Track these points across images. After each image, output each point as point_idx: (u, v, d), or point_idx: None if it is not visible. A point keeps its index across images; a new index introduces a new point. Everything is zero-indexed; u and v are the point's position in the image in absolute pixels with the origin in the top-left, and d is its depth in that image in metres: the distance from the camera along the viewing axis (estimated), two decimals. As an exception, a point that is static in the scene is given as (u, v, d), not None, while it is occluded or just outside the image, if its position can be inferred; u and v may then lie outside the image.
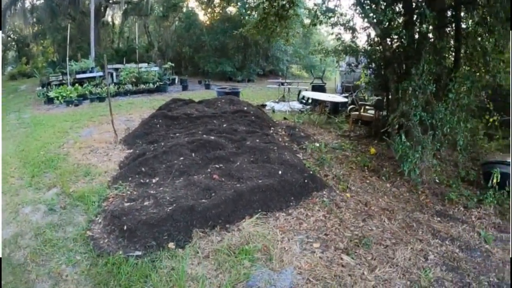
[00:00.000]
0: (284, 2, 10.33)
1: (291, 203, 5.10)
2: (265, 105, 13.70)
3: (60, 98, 13.14)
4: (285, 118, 11.16)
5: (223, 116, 8.51)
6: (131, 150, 7.20)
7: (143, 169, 5.90)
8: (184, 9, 26.58)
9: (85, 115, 10.85)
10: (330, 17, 8.99)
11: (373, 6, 7.47)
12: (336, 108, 12.82)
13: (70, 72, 15.71)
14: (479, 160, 7.44)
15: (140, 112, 11.06)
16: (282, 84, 15.33)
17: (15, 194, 5.53)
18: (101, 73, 16.92)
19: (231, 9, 24.92)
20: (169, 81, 17.86)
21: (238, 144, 6.93)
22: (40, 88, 15.49)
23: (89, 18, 25.04)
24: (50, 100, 13.27)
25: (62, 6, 25.70)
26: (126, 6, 27.25)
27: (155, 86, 15.88)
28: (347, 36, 9.26)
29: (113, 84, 15.83)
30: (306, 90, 15.54)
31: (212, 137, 6.97)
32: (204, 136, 7.06)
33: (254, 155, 6.45)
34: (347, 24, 8.95)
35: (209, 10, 25.56)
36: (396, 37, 7.91)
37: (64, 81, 15.56)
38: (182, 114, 8.36)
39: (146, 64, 18.70)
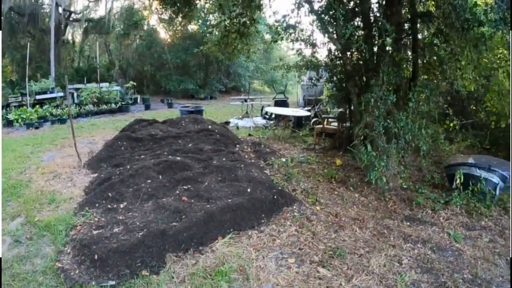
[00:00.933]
0: (245, 20, 10.49)
1: (263, 220, 5.19)
2: (229, 122, 13.89)
3: (20, 120, 12.83)
4: (249, 135, 11.35)
5: (188, 136, 8.60)
6: (96, 174, 7.17)
7: (109, 194, 5.90)
8: (145, 27, 26.57)
9: (46, 138, 10.66)
10: (291, 33, 9.18)
11: (333, 21, 7.69)
12: (299, 122, 13.14)
13: (30, 93, 15.38)
14: (442, 164, 7.81)
15: (103, 133, 10.98)
16: (245, 100, 15.56)
17: (-24, 227, 5.41)
18: (61, 94, 16.66)
19: (193, 27, 25.10)
20: (131, 101, 17.78)
21: (205, 164, 7.04)
22: (-1, 109, 15.08)
23: (49, 36, 24.61)
24: (9, 123, 12.92)
25: (21, 23, 25.05)
26: (86, 24, 26.95)
27: (117, 106, 15.79)
28: (308, 51, 9.49)
29: (74, 105, 15.59)
30: (269, 105, 15.82)
31: (178, 158, 7.06)
32: (170, 157, 7.15)
33: (221, 174, 6.56)
34: (307, 40, 9.18)
35: (170, 28, 25.57)
36: (355, 51, 8.24)
37: (23, 102, 15.20)
38: (147, 135, 8.40)
39: (108, 83, 18.54)
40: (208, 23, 22.18)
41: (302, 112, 13.13)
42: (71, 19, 26.94)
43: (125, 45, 26.12)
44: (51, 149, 9.47)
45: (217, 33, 13.31)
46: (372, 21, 8.10)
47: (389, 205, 6.13)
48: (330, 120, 11.23)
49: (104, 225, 4.99)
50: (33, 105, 14.76)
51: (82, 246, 4.48)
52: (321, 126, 10.85)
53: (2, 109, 15.03)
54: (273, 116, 14.45)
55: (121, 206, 5.60)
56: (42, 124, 12.71)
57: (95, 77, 19.76)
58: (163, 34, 26.07)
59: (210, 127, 9.37)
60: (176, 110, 16.00)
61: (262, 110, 15.81)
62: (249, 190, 5.72)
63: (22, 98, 15.67)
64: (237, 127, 12.82)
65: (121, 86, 19.42)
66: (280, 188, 6.07)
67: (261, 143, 9.59)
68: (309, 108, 14.84)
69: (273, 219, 5.27)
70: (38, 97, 15.70)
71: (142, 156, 7.57)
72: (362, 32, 7.85)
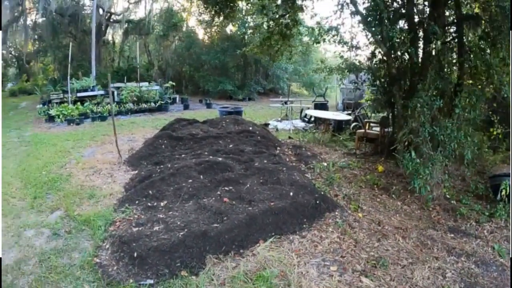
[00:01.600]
0: (288, 21, 10.32)
1: (304, 225, 4.98)
2: (268, 124, 13.63)
3: (61, 116, 12.99)
4: (289, 137, 11.06)
5: (228, 137, 8.39)
6: (136, 172, 7.04)
7: (150, 192, 5.73)
8: (184, 29, 26.77)
9: (87, 134, 10.71)
10: (333, 35, 8.98)
11: (378, 23, 7.41)
12: (339, 125, 12.75)
13: (71, 90, 15.60)
14: (485, 173, 7.39)
15: (143, 131, 10.92)
16: (285, 102, 15.26)
17: (17, 217, 5.34)
18: (102, 92, 16.85)
19: (231, 28, 25.09)
20: (170, 100, 17.77)
21: (246, 165, 6.79)
22: (41, 105, 15.37)
23: (90, 36, 25.21)
24: (51, 118, 13.14)
25: (63, 24, 25.84)
26: (126, 25, 27.43)
27: (157, 105, 15.78)
28: (349, 54, 9.23)
29: (114, 103, 15.71)
30: (309, 108, 15.48)
31: (220, 159, 6.84)
32: (211, 157, 6.94)
33: (263, 176, 6.30)
34: (349, 42, 8.96)
35: (209, 29, 25.69)
36: (400, 53, 7.93)
37: (65, 99, 15.43)
38: (187, 135, 8.24)
39: (147, 83, 18.64)
40: (246, 25, 22.09)
41: (343, 116, 12.73)
42: (111, 20, 27.50)
43: (164, 46, 26.37)
44: (92, 145, 9.46)
45: (258, 34, 13.14)
46: (417, 23, 7.80)
47: (432, 215, 5.87)
48: (371, 124, 10.83)
49: (144, 222, 4.80)
50: (74, 102, 14.96)
51: (122, 243, 4.30)
52: (363, 130, 10.46)
53: (44, 105, 15.41)
54: (312, 119, 14.11)
55: (162, 204, 5.41)
56: (82, 121, 12.85)
57: (135, 77, 19.93)
58: (201, 35, 26.23)
59: (251, 128, 9.12)
60: (215, 111, 15.87)
61: (301, 112, 15.47)
62: (291, 194, 5.50)
63: (64, 95, 15.91)
64: (277, 129, 12.54)
65: (160, 86, 19.49)
66: (322, 193, 5.85)
67: (301, 146, 9.28)
68: (349, 112, 14.41)
69: (315, 224, 5.06)
70: (79, 94, 15.92)
71: (183, 155, 7.40)
72: (408, 35, 7.54)
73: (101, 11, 24.49)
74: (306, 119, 14.78)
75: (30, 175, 7.13)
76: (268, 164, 6.87)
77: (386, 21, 6.96)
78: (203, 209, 5.10)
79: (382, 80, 9.03)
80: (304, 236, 4.73)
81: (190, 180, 5.94)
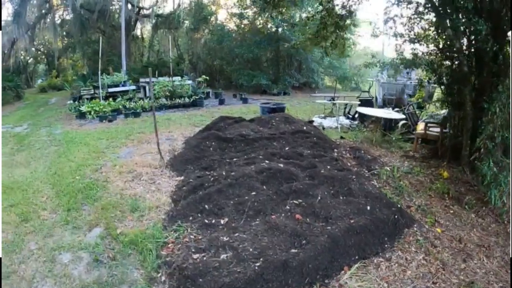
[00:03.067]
0: (344, 12, 9.37)
1: (386, 245, 4.38)
2: (313, 121, 12.54)
3: (92, 112, 12.23)
4: (342, 137, 10.00)
5: (282, 138, 7.38)
6: (182, 178, 6.10)
7: (206, 206, 4.76)
8: (214, 22, 26.07)
9: (121, 132, 9.83)
10: (391, 27, 8.33)
11: (454, 15, 6.53)
12: (389, 124, 11.64)
13: (102, 86, 14.85)
14: None
15: (180, 129, 9.98)
16: (333, 98, 14.13)
17: (49, 235, 4.46)
18: (133, 87, 16.08)
19: (260, 21, 24.04)
20: (203, 95, 16.81)
21: (310, 172, 5.80)
22: (71, 101, 14.74)
23: (119, 31, 24.74)
24: (82, 115, 12.38)
25: (91, 20, 25.39)
26: (156, 20, 26.83)
27: (191, 100, 14.82)
28: (405, 47, 8.41)
29: (146, 98, 14.87)
30: (352, 105, 14.33)
31: (281, 165, 5.82)
32: (272, 163, 5.93)
33: (333, 186, 5.41)
34: (408, 35, 8.23)
35: (240, 22, 24.69)
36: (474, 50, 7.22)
37: (96, 95, 14.70)
38: (237, 136, 7.25)
39: (179, 77, 17.76)
40: (281, 17, 21.02)
41: (395, 115, 11.56)
42: (140, 14, 26.97)
43: (195, 40, 25.52)
44: (127, 144, 8.57)
45: (309, 26, 12.19)
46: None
47: (508, 229, 5.30)
48: (429, 125, 9.75)
49: (206, 247, 3.83)
50: (105, 98, 14.20)
51: (184, 277, 3.37)
52: (423, 131, 9.37)
53: (75, 100, 14.74)
54: (357, 115, 13.02)
55: (222, 222, 4.44)
56: (115, 117, 12.00)
57: (165, 71, 19.17)
58: (232, 28, 25.19)
59: (305, 128, 8.12)
60: (253, 106, 14.85)
61: (345, 109, 14.32)
62: (368, 208, 4.82)
63: (94, 91, 15.20)
64: (323, 127, 11.45)
65: (193, 80, 18.60)
66: (399, 206, 5.23)
67: (360, 148, 8.23)
68: (398, 109, 13.25)
69: (396, 243, 4.48)
70: (110, 90, 15.16)
71: (234, 159, 6.42)
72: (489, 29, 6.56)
73: (129, 5, 23.79)
74: (350, 116, 13.69)
75: (62, 180, 6.26)
76: (334, 171, 5.91)
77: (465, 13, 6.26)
78: (276, 230, 4.16)
79: (448, 77, 8.18)
80: (389, 259, 4.17)
81: (254, 193, 4.96)
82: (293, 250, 3.81)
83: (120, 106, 13.01)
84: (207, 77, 18.40)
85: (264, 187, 5.14)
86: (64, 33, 28.41)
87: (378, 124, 11.18)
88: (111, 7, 25.77)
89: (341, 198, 5.08)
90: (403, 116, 11.75)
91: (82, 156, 7.68)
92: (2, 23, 23.34)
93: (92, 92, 15.18)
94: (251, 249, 3.70)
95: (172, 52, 30.09)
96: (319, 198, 4.97)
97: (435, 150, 8.85)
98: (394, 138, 10.45)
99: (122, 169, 6.61)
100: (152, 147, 8.02)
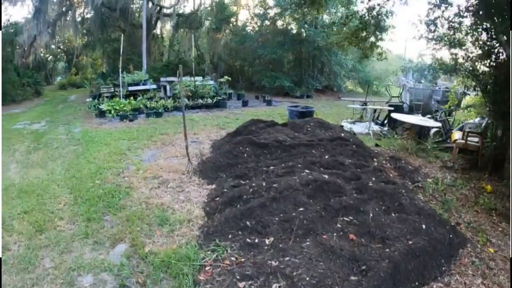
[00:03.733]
0: (384, 11, 8.81)
1: (444, 268, 3.90)
2: (342, 126, 11.84)
3: (113, 111, 11.72)
4: (377, 145, 9.32)
5: (321, 145, 6.72)
6: (214, 186, 5.46)
7: (247, 222, 4.11)
8: (235, 22, 25.61)
9: (143, 132, 9.26)
10: (433, 31, 8.01)
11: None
12: (423, 132, 10.94)
13: (122, 84, 14.35)
14: None
15: (206, 131, 9.36)
16: (365, 103, 13.40)
17: (66, 250, 3.86)
18: (154, 86, 15.56)
19: (288, 21, 23.36)
20: (225, 96, 16.20)
21: (357, 185, 5.14)
22: (91, 99, 14.32)
23: (139, 30, 24.42)
24: (102, 113, 11.89)
25: (112, 18, 25.26)
26: (177, 19, 26.43)
27: (214, 101, 14.21)
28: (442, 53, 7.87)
29: (168, 98, 14.32)
30: (380, 110, 13.59)
31: (326, 176, 5.14)
32: (313, 173, 5.29)
33: (382, 201, 4.78)
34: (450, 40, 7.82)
35: (264, 23, 24.06)
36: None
37: (116, 93, 14.21)
38: (273, 141, 6.59)
39: (201, 77, 17.20)
40: (307, 18, 20.34)
41: (431, 122, 10.82)
42: (161, 13, 26.64)
43: (216, 40, 24.99)
44: (150, 146, 7.98)
45: (347, 26, 11.58)
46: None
47: None
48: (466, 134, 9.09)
49: (253, 274, 3.21)
50: (125, 97, 13.69)
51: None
52: (463, 141, 8.68)
53: (94, 98, 14.30)
54: (386, 121, 12.32)
55: (266, 242, 3.79)
56: (136, 116, 11.44)
57: (186, 71, 18.66)
58: (256, 29, 24.59)
59: (342, 134, 7.46)
60: (277, 108, 14.20)
61: (374, 114, 13.58)
62: (423, 226, 4.26)
63: (115, 89, 14.73)
64: (354, 134, 10.72)
65: (214, 80, 18.03)
66: (452, 224, 4.77)
67: (400, 158, 7.59)
68: (419, 114, 12.56)
69: (452, 266, 4.02)
70: (130, 88, 14.65)
71: (271, 167, 5.77)
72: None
73: (150, 4, 23.43)
74: (379, 122, 12.96)
75: (81, 184, 5.69)
76: (382, 184, 5.26)
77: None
78: (331, 253, 3.55)
79: (493, 85, 7.68)
80: (448, 284, 3.70)
81: (301, 209, 4.29)
82: (353, 278, 3.23)
83: (141, 105, 12.47)
84: (229, 78, 17.80)
85: (311, 200, 4.48)
86: (84, 31, 28.17)
87: (413, 132, 10.48)
88: (131, 6, 25.41)
89: (393, 214, 4.49)
90: (439, 124, 11.05)
91: (103, 157, 7.12)
92: (22, 20, 23.41)
93: (112, 90, 14.71)
94: (307, 278, 3.07)
95: (192, 52, 29.77)
96: (371, 215, 4.35)
97: (475, 161, 8.29)
98: (429, 147, 9.76)
99: (146, 174, 6.01)
100: (177, 150, 7.43)
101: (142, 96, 13.77)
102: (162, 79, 16.96)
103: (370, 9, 8.82)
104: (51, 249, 3.88)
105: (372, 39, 9.33)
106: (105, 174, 6.15)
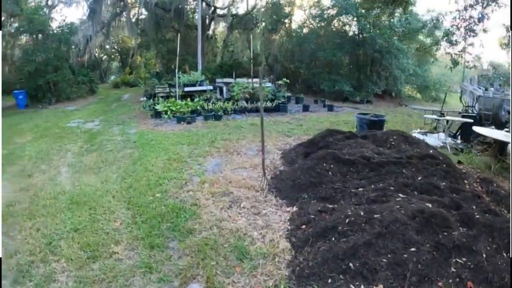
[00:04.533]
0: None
1: None
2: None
3: (169, 112, 11.07)
4: (459, 162, 8.05)
5: (411, 163, 5.59)
6: (295, 209, 4.52)
7: (350, 264, 3.13)
8: (290, 23, 24.74)
9: (203, 137, 8.46)
10: None
11: None
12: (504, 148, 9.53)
13: (178, 85, 13.74)
14: None
15: (271, 138, 8.41)
16: (442, 114, 12.07)
17: (124, 285, 3.02)
18: (211, 87, 14.85)
19: (345, 20, 22.09)
20: (284, 99, 15.20)
21: (460, 216, 4.05)
22: (145, 99, 13.85)
23: (193, 31, 24.14)
24: (157, 114, 11.28)
25: (166, 19, 25.13)
26: (231, 19, 25.90)
27: (273, 104, 13.26)
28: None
29: (224, 99, 13.54)
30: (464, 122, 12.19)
31: (429, 205, 4.08)
32: (410, 198, 4.29)
33: (492, 238, 3.76)
34: None
35: (321, 24, 22.87)
36: None
37: (171, 94, 13.61)
38: (359, 157, 5.55)
39: (258, 79, 16.34)
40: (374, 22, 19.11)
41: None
42: (215, 14, 26.26)
43: (272, 41, 24.14)
44: (213, 153, 7.13)
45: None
46: None
47: None
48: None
49: None
50: (181, 98, 13.03)
51: None
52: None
53: (149, 98, 13.81)
54: (458, 133, 10.97)
55: (377, 291, 2.78)
56: (194, 119, 10.70)
57: (240, 72, 17.90)
58: (314, 30, 23.46)
59: (431, 151, 6.29)
60: (340, 115, 13.11)
61: (446, 124, 12.18)
62: None
63: (170, 89, 14.14)
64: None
65: (272, 82, 17.11)
66: None
67: (492, 181, 6.30)
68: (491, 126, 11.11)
69: None
70: (186, 89, 14.00)
71: (360, 189, 4.76)
72: None
73: (204, 4, 23.05)
74: (452, 134, 11.57)
75: (139, 198, 4.92)
76: (487, 216, 4.14)
77: None
78: None
79: None
80: None
81: (413, 248, 3.27)
82: None
83: (198, 107, 11.75)
84: (288, 81, 16.80)
85: (419, 237, 3.45)
86: (139, 31, 28.26)
87: (496, 148, 9.09)
88: (186, 6, 25.26)
89: (504, 255, 3.51)
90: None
91: (162, 164, 6.35)
92: (77, 21, 23.84)
93: (168, 91, 14.15)
94: None
95: (246, 53, 29.10)
96: (484, 255, 3.28)
97: None
98: None
99: (213, 189, 5.14)
100: (244, 160, 6.55)
101: (198, 97, 13.06)
102: (218, 80, 16.29)
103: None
104: (107, 285, 3.07)
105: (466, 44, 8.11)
106: (166, 185, 5.35)
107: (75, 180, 5.83)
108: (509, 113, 13.47)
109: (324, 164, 5.34)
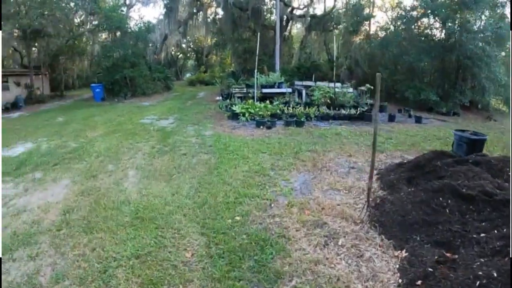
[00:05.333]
0: None
1: None
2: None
3: (247, 115, 10.34)
4: None
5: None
6: (405, 254, 3.51)
7: None
8: (369, 25, 23.25)
9: (286, 146, 7.55)
10: None
11: None
12: None
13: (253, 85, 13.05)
14: None
15: (361, 153, 7.33)
16: None
17: None
18: (290, 90, 13.93)
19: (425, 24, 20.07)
20: (367, 107, 13.83)
21: None
22: (221, 98, 13.37)
23: (269, 31, 23.55)
24: (234, 116, 10.62)
25: (242, 18, 24.85)
26: (310, 20, 24.91)
27: (357, 112, 12.02)
28: None
29: (304, 104, 12.52)
30: None
31: None
32: None
33: None
34: None
35: (402, 26, 20.95)
36: None
37: (249, 94, 12.92)
38: (479, 193, 4.34)
39: (339, 83, 15.16)
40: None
41: None
42: (293, 14, 25.66)
43: (352, 43, 22.81)
44: (298, 167, 6.20)
45: None
46: None
47: None
48: None
49: None
50: (259, 99, 12.27)
51: None
52: None
53: (226, 98, 13.27)
54: None
55: None
56: (274, 124, 9.87)
57: (317, 75, 16.86)
58: (394, 32, 21.61)
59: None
60: (429, 128, 11.44)
61: None
62: None
63: (247, 90, 13.46)
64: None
65: (354, 88, 15.80)
66: None
67: None
68: None
69: None
70: (264, 90, 13.26)
71: (482, 235, 3.61)
72: None
73: (281, 4, 22.34)
74: None
75: (215, 220, 4.14)
76: None
77: None
78: None
79: None
80: None
81: None
82: None
83: (278, 111, 10.89)
84: (372, 87, 15.40)
85: None
86: (215, 30, 28.30)
87: None
88: (264, 6, 24.93)
89: None
90: None
91: (241, 177, 5.55)
92: (154, 20, 24.57)
93: (245, 91, 13.49)
94: None
95: (322, 55, 27.96)
96: None
97: None
98: None
99: (304, 217, 4.22)
100: (336, 179, 5.57)
101: (277, 100, 12.22)
102: (297, 82, 15.39)
103: None
104: None
105: None
106: (247, 206, 4.53)
107: (143, 188, 5.21)
108: None
109: (441, 199, 4.23)
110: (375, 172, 6.00)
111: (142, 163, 6.50)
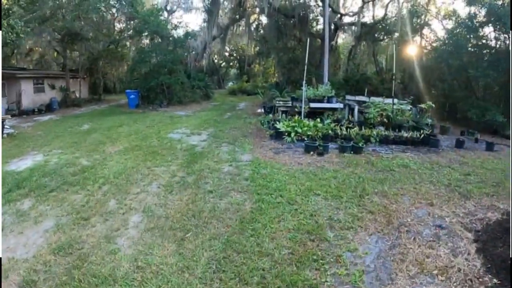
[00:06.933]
0: None
1: None
2: None
3: (292, 134, 8.66)
4: None
5: None
6: None
7: None
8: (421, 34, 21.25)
9: (345, 184, 5.79)
10: None
11: None
12: None
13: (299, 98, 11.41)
14: None
15: (444, 201, 5.36)
16: None
17: None
18: (341, 105, 12.09)
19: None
20: (429, 128, 11.67)
21: None
22: (262, 111, 11.95)
23: (316, 40, 21.88)
24: (278, 134, 8.99)
25: (287, 26, 23.79)
26: (359, 29, 22.96)
27: (421, 135, 9.90)
28: None
29: (359, 124, 10.56)
30: None
31: None
32: None
33: None
34: None
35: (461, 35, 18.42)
36: None
37: (295, 109, 11.24)
38: None
39: (396, 100, 13.03)
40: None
41: None
42: (342, 21, 24.22)
43: (406, 54, 20.71)
44: (367, 223, 4.43)
45: None
46: None
47: None
48: None
49: None
50: (307, 115, 10.55)
51: None
52: None
53: (269, 113, 11.80)
54: None
55: None
56: (327, 149, 8.02)
57: (368, 89, 15.08)
58: (461, 43, 19.07)
59: None
60: (504, 156, 9.22)
61: None
62: None
63: (293, 103, 11.80)
64: None
65: (413, 105, 13.55)
66: None
67: None
68: None
69: None
70: (312, 105, 11.50)
71: None
72: None
73: (328, 12, 20.70)
74: None
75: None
76: None
77: None
78: None
79: None
80: None
81: None
82: None
83: (330, 131, 9.08)
84: (433, 105, 13.23)
85: None
86: (257, 39, 27.10)
87: None
88: (310, 14, 23.84)
89: None
90: None
91: (286, 242, 3.89)
92: (197, 27, 24.42)
93: (290, 105, 11.85)
94: None
95: (369, 67, 25.97)
96: None
97: None
98: None
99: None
100: (422, 251, 3.79)
101: (328, 117, 10.43)
102: (348, 97, 13.53)
103: None
104: None
105: None
106: (304, 282, 2.88)
107: (141, 252, 3.71)
108: None
109: None
110: (471, 237, 4.20)
111: (153, 202, 5.02)
